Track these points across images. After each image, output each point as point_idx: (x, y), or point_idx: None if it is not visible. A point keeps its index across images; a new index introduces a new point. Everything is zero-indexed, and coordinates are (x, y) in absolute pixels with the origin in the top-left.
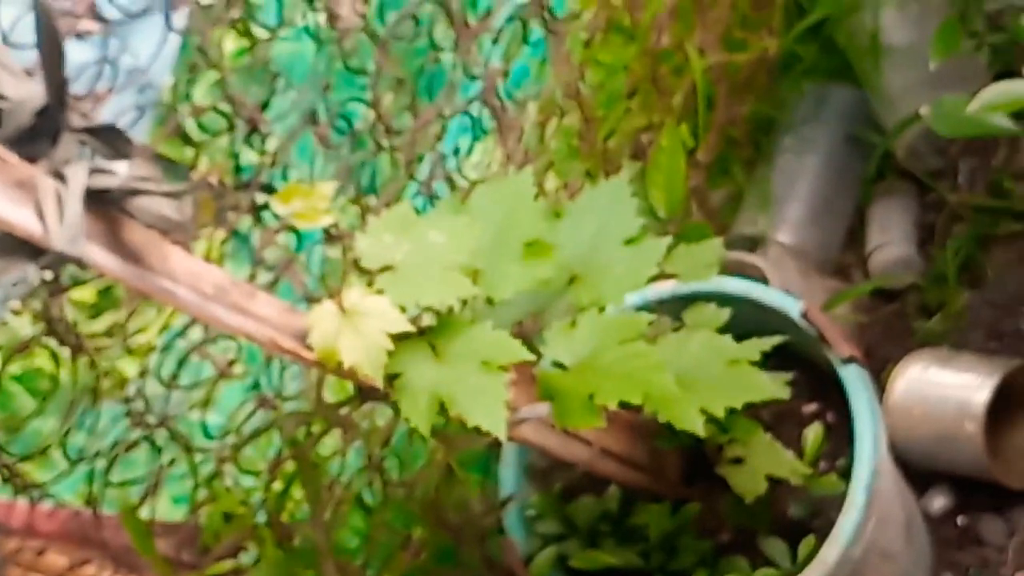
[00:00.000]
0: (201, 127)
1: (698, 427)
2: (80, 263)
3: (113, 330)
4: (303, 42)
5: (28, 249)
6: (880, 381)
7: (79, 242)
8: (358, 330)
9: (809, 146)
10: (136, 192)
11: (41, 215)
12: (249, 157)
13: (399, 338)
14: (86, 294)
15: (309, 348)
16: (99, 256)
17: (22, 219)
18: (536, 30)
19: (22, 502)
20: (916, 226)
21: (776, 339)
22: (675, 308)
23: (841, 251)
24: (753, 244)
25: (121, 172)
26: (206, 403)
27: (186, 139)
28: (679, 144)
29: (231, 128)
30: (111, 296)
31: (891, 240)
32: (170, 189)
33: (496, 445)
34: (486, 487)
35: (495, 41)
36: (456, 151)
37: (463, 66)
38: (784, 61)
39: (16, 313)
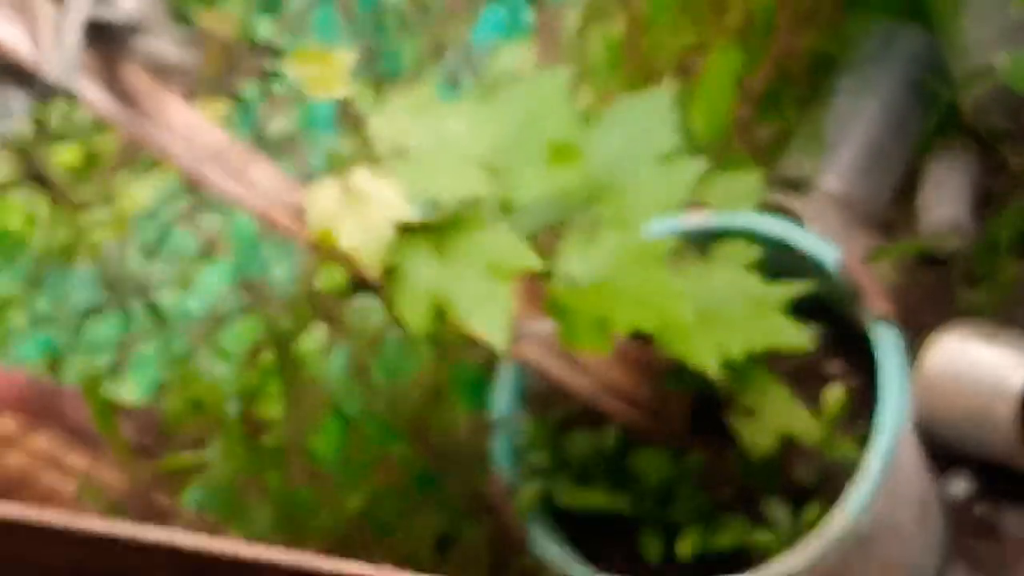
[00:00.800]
0: None
1: (712, 366)
2: (72, 96)
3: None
4: None
5: (19, 75)
6: (913, 350)
7: (73, 73)
8: (360, 213)
9: (869, 89)
10: (139, 30)
11: (36, 40)
12: (264, 31)
13: (403, 229)
14: (72, 157)
15: (305, 226)
16: (92, 92)
17: (15, 41)
18: None
19: None
20: (973, 188)
21: (807, 285)
22: (703, 242)
23: (889, 206)
24: (796, 187)
25: (126, 6)
26: (186, 279)
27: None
28: (730, 67)
29: None
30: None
31: (945, 200)
32: (176, 32)
33: (491, 367)
34: (475, 413)
35: None
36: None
37: None
38: None
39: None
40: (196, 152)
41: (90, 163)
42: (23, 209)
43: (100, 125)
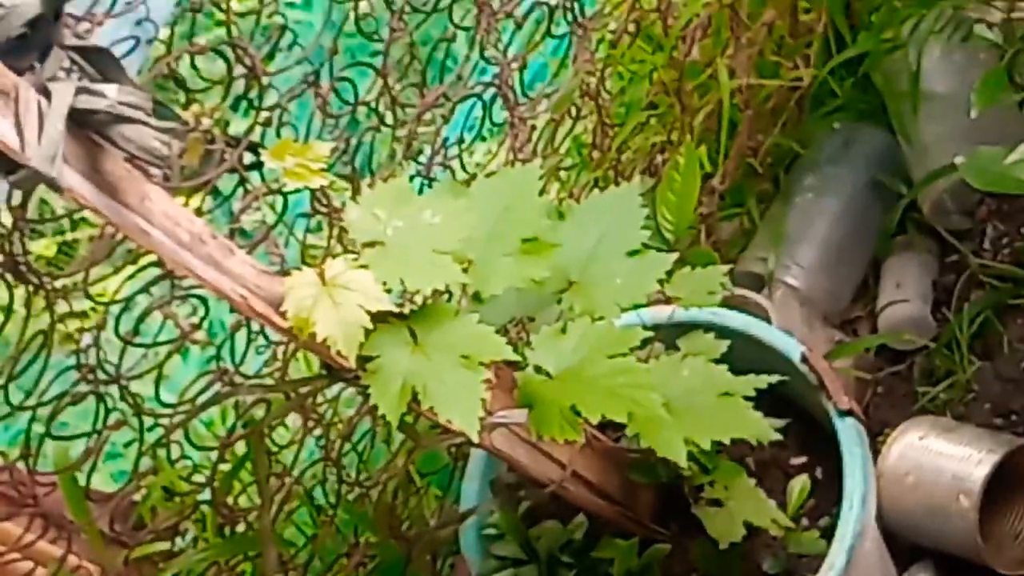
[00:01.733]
0: (198, 73)
1: (681, 456)
2: (54, 185)
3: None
4: (313, 10)
5: (2, 165)
6: (875, 445)
7: (56, 162)
8: (337, 303)
9: (830, 188)
10: (122, 119)
11: (20, 129)
12: (239, 127)
13: (378, 319)
14: (47, 250)
15: (282, 316)
16: (74, 180)
17: (2, 132)
18: (561, 25)
19: None
20: (933, 287)
21: (773, 377)
22: (670, 336)
23: (850, 302)
24: (759, 283)
25: (110, 95)
26: (162, 367)
27: (180, 83)
28: (695, 165)
29: (230, 74)
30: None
31: (904, 298)
32: (158, 123)
33: (461, 459)
34: (444, 504)
35: (518, 27)
36: (461, 142)
37: (480, 48)
38: (816, 95)
39: None
40: (176, 241)
41: (66, 254)
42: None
43: (74, 219)
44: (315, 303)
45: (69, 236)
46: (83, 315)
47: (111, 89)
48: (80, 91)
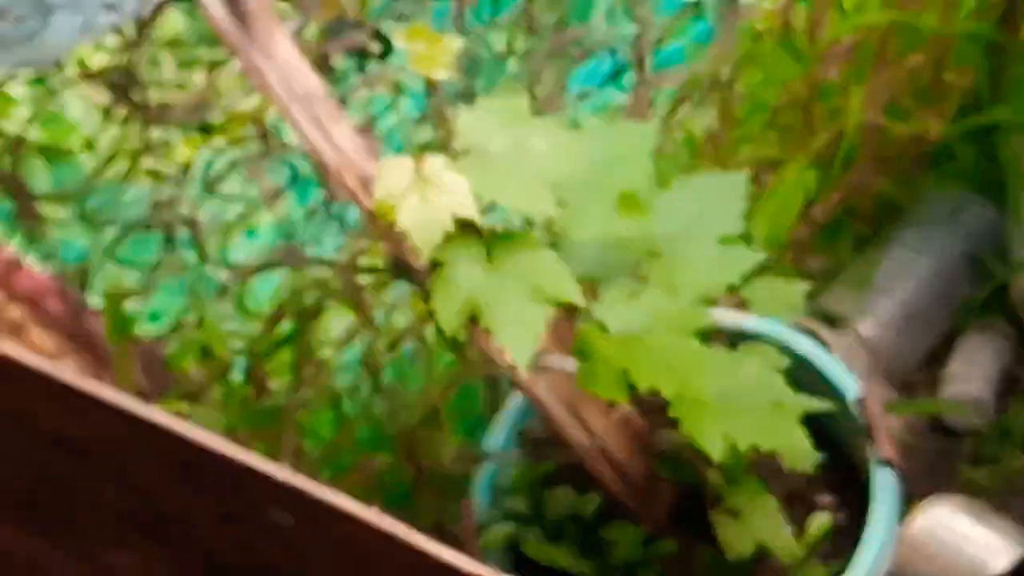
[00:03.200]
0: None
1: (715, 449)
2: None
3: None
4: None
5: None
6: (904, 511)
7: None
8: (425, 197)
9: (927, 249)
10: None
11: None
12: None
13: (460, 227)
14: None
15: (370, 195)
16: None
17: None
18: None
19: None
20: (1001, 373)
21: (827, 405)
22: (733, 340)
23: (917, 367)
24: (832, 323)
25: None
26: (235, 226)
27: None
28: (802, 186)
29: None
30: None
31: (971, 376)
32: None
33: (495, 401)
34: (465, 447)
35: None
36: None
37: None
38: (938, 153)
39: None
40: (289, 90)
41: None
42: (101, 109)
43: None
44: (404, 192)
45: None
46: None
47: None
48: None
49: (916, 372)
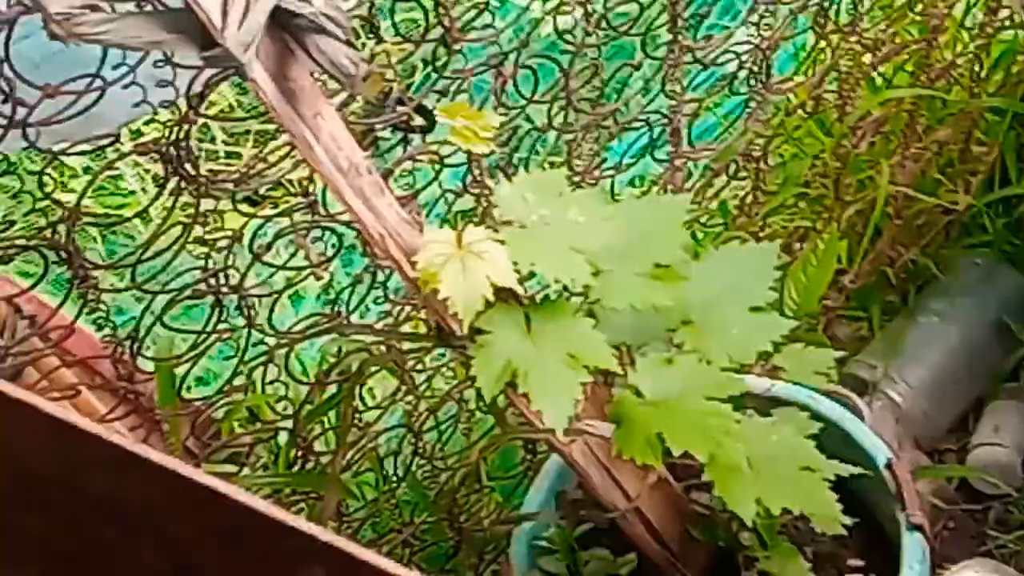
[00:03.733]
0: (394, 25)
1: (748, 513)
2: (241, 72)
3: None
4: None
5: (199, 37)
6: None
7: (249, 51)
8: (466, 267)
9: (957, 318)
10: (321, 30)
11: (225, 10)
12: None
13: (500, 295)
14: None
15: (412, 266)
16: (260, 75)
17: (208, 7)
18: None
19: (64, 313)
20: None
21: (857, 469)
22: (764, 407)
23: (945, 433)
24: (862, 388)
25: (316, 3)
26: (283, 292)
27: (374, 29)
28: (833, 256)
29: (427, 27)
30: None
31: (1000, 443)
32: (352, 42)
33: (532, 472)
34: (503, 511)
35: (703, 68)
36: (617, 167)
37: (662, 80)
38: (966, 224)
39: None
40: (335, 164)
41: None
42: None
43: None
44: (446, 262)
45: (222, 163)
46: (219, 224)
47: None
48: None
49: (945, 438)
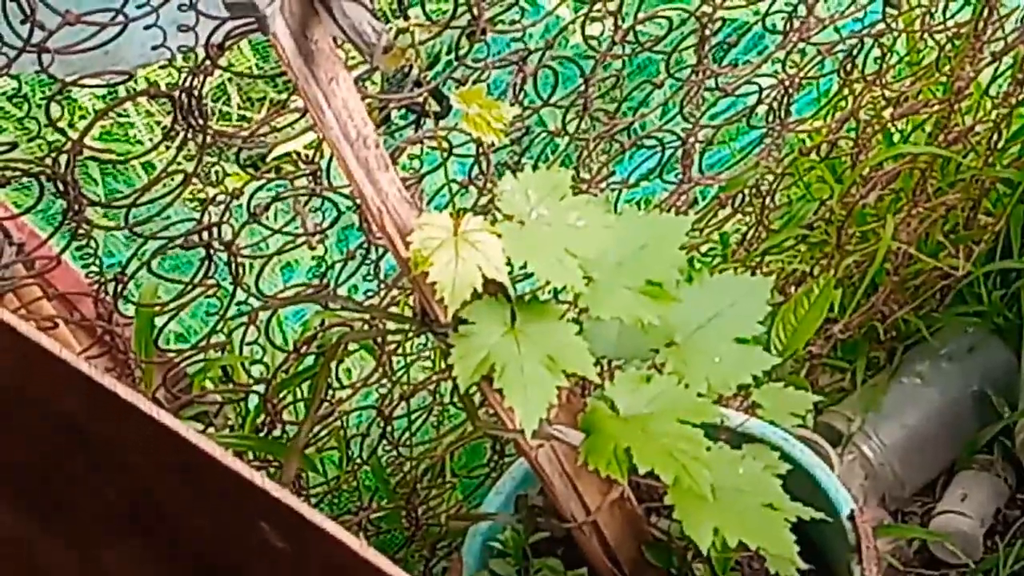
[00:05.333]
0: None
1: (705, 541)
2: (263, 24)
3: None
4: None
5: None
6: None
7: (272, 6)
8: (459, 254)
9: (939, 382)
10: None
11: None
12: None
13: (489, 287)
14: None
15: (406, 245)
16: (281, 31)
17: None
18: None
19: (52, 245)
20: (996, 513)
21: (820, 515)
22: (735, 441)
23: (912, 495)
24: (836, 438)
25: None
26: (274, 256)
27: (402, 6)
28: (826, 302)
29: (454, 12)
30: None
31: (964, 513)
32: (378, 15)
33: (496, 474)
34: (462, 509)
35: (724, 95)
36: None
37: (680, 102)
38: (962, 291)
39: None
40: (343, 132)
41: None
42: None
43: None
44: (440, 246)
45: (234, 126)
46: (221, 182)
47: None
48: None
49: (912, 499)
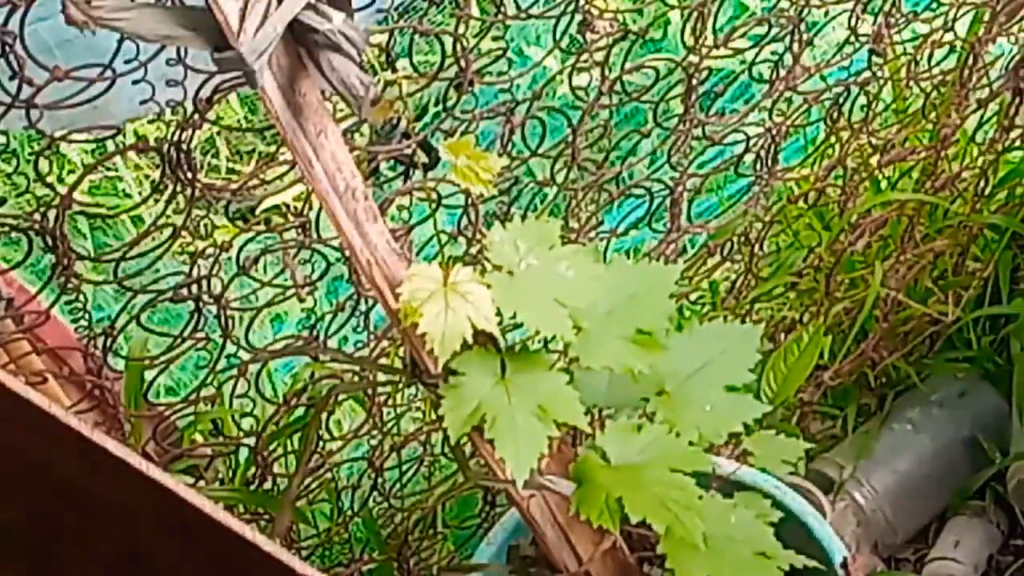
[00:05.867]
0: (410, 60)
1: None
2: (251, 79)
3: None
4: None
5: (214, 38)
6: None
7: (261, 59)
8: (449, 305)
9: (930, 429)
10: (336, 48)
11: (243, 15)
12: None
13: (479, 338)
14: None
15: (395, 297)
16: (270, 85)
17: (227, 10)
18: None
19: (42, 300)
20: (988, 559)
21: (812, 562)
22: (727, 489)
23: (905, 542)
24: (827, 485)
25: (335, 21)
26: (264, 308)
27: (390, 59)
28: (816, 349)
29: (442, 62)
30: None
31: (957, 559)
32: (366, 68)
33: (487, 525)
34: (453, 561)
35: (711, 144)
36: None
37: (669, 150)
38: (952, 337)
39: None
40: (332, 184)
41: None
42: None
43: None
44: (430, 297)
45: (223, 179)
46: (210, 235)
47: (337, 16)
48: (309, 7)
49: (905, 546)
